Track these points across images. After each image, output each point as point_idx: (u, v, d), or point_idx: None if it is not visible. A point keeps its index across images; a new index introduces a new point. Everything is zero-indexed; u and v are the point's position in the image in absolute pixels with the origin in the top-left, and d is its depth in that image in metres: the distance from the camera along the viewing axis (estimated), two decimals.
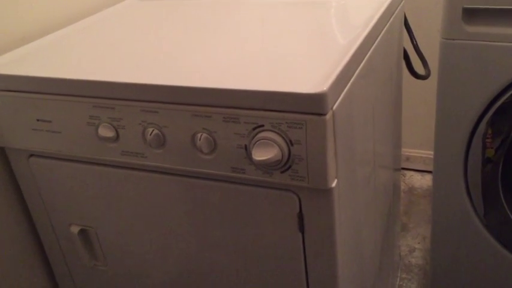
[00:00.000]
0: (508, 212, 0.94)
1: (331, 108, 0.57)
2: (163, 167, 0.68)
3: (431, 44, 1.28)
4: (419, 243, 1.43)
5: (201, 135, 0.63)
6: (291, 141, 0.59)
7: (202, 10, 0.93)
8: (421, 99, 1.64)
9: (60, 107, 0.70)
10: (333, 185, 0.61)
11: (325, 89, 0.55)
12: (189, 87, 0.62)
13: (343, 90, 0.61)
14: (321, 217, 0.63)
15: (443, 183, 0.99)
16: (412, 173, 1.77)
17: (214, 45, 0.73)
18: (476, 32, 0.82)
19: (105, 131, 0.69)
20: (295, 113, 0.57)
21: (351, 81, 0.64)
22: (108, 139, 0.69)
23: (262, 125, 0.59)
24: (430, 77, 1.12)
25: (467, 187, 0.97)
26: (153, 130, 0.66)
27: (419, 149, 1.75)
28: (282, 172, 0.61)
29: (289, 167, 0.60)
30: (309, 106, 0.56)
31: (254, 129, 0.60)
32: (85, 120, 0.70)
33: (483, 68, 0.84)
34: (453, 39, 0.84)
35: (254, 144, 0.60)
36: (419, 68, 1.13)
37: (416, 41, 1.11)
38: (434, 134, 0.95)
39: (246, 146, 0.61)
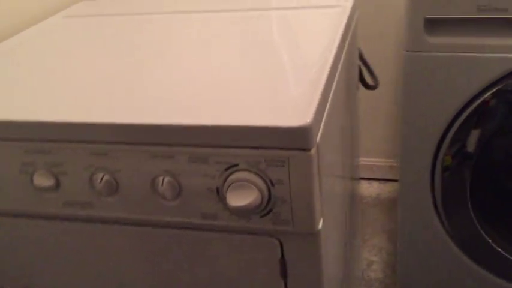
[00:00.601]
0: (477, 225, 0.92)
1: (316, 141, 0.50)
2: (116, 217, 0.58)
3: (383, 53, 1.25)
4: (376, 255, 1.41)
5: (163, 179, 0.54)
6: (271, 181, 0.51)
7: (145, 29, 0.83)
8: (365, 108, 1.62)
9: None
10: (320, 226, 0.54)
11: (308, 120, 0.48)
12: (145, 125, 0.52)
13: (322, 120, 0.54)
14: (306, 262, 0.56)
15: (410, 195, 0.96)
16: (358, 181, 1.75)
17: (169, 72, 0.64)
18: (439, 43, 0.79)
19: (42, 180, 0.58)
20: (275, 149, 0.50)
21: (327, 107, 0.58)
22: (46, 188, 0.58)
23: (236, 165, 0.51)
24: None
25: (434, 199, 0.94)
26: (103, 176, 0.55)
27: (365, 156, 1.74)
28: (261, 216, 0.53)
29: (270, 210, 0.52)
30: (292, 141, 0.49)
31: (227, 169, 0.52)
32: (16, 168, 0.58)
33: (448, 80, 0.81)
34: (416, 52, 0.80)
35: (228, 187, 0.52)
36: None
37: (362, 52, 1.08)
38: (401, 146, 0.92)
39: (217, 188, 0.53)
